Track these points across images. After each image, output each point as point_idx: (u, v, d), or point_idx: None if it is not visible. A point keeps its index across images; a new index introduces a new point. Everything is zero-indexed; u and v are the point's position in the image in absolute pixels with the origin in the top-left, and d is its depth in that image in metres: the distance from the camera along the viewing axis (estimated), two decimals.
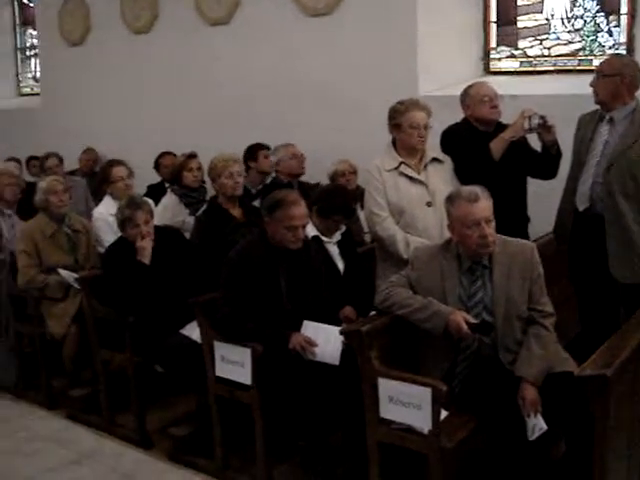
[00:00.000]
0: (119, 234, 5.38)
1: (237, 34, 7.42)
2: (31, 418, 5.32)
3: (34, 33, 10.56)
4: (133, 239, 4.62)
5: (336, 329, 3.90)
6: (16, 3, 10.91)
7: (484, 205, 3.50)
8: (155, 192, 6.60)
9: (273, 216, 4.02)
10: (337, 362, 3.82)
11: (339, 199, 4.65)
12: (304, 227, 4.10)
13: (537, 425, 3.32)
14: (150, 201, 5.20)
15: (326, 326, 3.97)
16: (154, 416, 4.93)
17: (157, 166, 7.20)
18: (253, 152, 6.55)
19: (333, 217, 4.59)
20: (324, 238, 4.59)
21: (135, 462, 4.63)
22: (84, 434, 5.04)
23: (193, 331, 4.40)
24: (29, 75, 10.83)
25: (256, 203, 5.56)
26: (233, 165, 5.09)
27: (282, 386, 3.90)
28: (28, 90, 10.80)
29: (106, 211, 5.64)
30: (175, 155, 6.99)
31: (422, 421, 3.30)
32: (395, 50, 6.35)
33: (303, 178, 6.31)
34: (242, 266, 3.98)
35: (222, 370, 4.06)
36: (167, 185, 6.89)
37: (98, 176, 5.86)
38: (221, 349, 4.04)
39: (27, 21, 10.79)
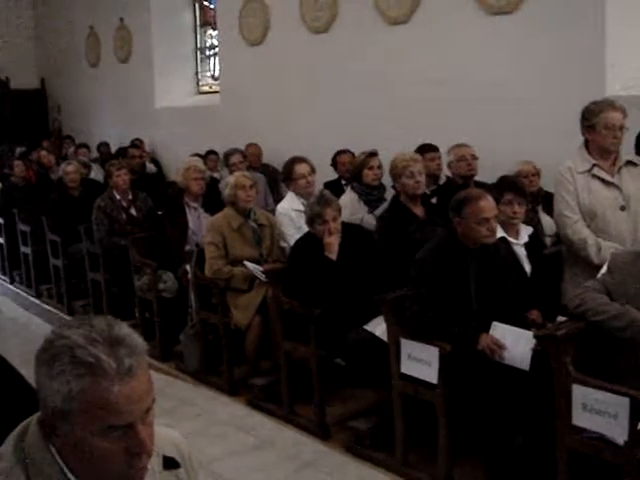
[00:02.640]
0: (301, 229, 5.54)
1: (416, 33, 7.42)
2: (214, 403, 5.53)
3: (214, 33, 10.96)
4: (321, 235, 4.72)
5: (525, 332, 3.86)
6: (197, 5, 11.36)
7: None
8: (332, 189, 6.69)
9: (462, 214, 4.02)
10: (527, 367, 3.77)
11: (505, 179, 4.60)
12: (495, 219, 4.07)
13: None
14: None
15: (515, 329, 3.92)
16: (334, 408, 5.00)
17: (334, 163, 7.31)
18: (420, 153, 6.53)
19: (506, 196, 4.52)
20: (511, 239, 4.53)
21: (314, 452, 4.72)
22: (264, 421, 5.18)
23: (376, 327, 4.45)
24: (208, 74, 11.25)
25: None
26: (414, 164, 5.12)
27: (468, 387, 3.89)
28: (207, 88, 11.21)
29: (289, 206, 5.80)
30: (352, 153, 7.10)
31: (617, 431, 3.20)
32: (581, 48, 6.16)
33: (481, 178, 6.23)
34: (432, 265, 4.00)
35: (408, 368, 4.09)
36: (344, 182, 7.03)
37: (281, 173, 6.00)
38: (408, 347, 4.07)
39: (207, 22, 11.22)
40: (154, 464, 1.73)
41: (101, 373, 1.53)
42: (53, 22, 13.88)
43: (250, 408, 5.39)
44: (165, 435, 1.82)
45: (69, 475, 1.62)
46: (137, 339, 1.62)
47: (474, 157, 6.02)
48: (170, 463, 1.82)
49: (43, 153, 10.31)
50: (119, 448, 1.58)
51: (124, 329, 1.62)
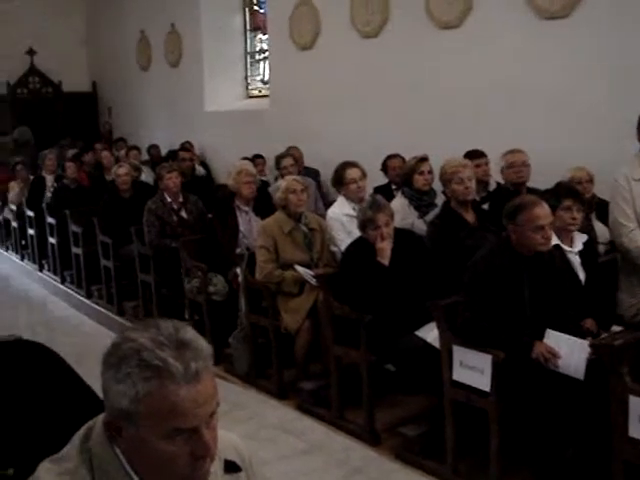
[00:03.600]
0: (351, 234, 5.54)
1: (467, 38, 7.38)
2: (263, 406, 5.55)
3: (264, 37, 11.03)
4: (373, 240, 4.71)
5: (580, 341, 3.81)
6: (247, 10, 11.44)
7: None
8: (382, 194, 6.66)
9: (517, 221, 3.99)
10: (582, 376, 3.71)
11: (562, 185, 4.56)
12: (551, 226, 4.02)
13: None
14: None
15: (570, 337, 3.87)
16: (383, 414, 4.98)
17: (384, 168, 7.30)
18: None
19: (564, 202, 4.46)
20: (566, 247, 4.48)
21: (363, 458, 4.71)
22: (313, 426, 5.18)
23: (428, 333, 4.43)
24: (257, 78, 11.32)
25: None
26: (463, 170, 5.10)
27: (521, 395, 3.85)
28: (256, 92, 11.29)
29: (340, 211, 5.81)
30: (403, 158, 7.08)
31: None
32: (637, 52, 6.07)
33: (534, 184, 6.17)
34: (486, 272, 3.97)
35: (460, 375, 4.06)
36: (394, 187, 7.02)
37: (332, 177, 6.00)
38: (460, 354, 4.04)
39: (257, 26, 11.29)
40: (216, 468, 1.74)
41: (168, 376, 1.54)
42: (105, 27, 14.09)
43: (299, 412, 5.40)
44: (226, 439, 1.83)
45: (133, 476, 1.64)
46: (203, 343, 1.63)
47: (525, 164, 5.95)
48: (231, 467, 1.83)
49: (105, 154, 10.45)
50: (184, 451, 1.59)
51: (190, 333, 1.63)
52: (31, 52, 14.04)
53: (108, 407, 1.62)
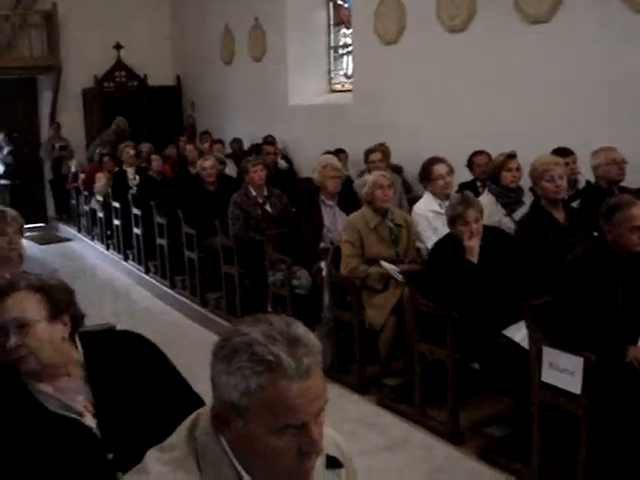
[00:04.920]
0: (437, 230, 5.50)
1: (557, 33, 7.22)
2: (344, 400, 5.55)
3: (347, 32, 11.02)
4: (462, 236, 4.66)
5: None
6: (331, 4, 11.44)
7: None
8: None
9: (613, 221, 3.90)
10: None
11: None
12: None
13: None
14: None
15: None
16: (467, 412, 4.93)
17: (470, 164, 7.21)
18: None
19: None
20: None
21: (446, 457, 4.68)
22: (395, 422, 5.17)
23: (516, 333, 4.36)
24: (341, 72, 11.32)
25: None
26: (555, 168, 4.99)
27: (614, 400, 3.76)
28: (339, 87, 11.28)
29: (426, 207, 5.77)
30: (489, 154, 6.98)
31: None
32: None
33: (624, 183, 6.02)
34: (580, 273, 3.89)
35: (549, 376, 3.98)
36: (479, 184, 6.93)
37: (419, 173, 5.97)
38: (550, 355, 3.96)
39: (341, 21, 11.27)
40: (318, 463, 1.74)
41: (280, 372, 1.55)
42: (189, 21, 14.27)
43: (380, 408, 5.39)
44: (328, 435, 1.83)
45: (238, 468, 1.65)
46: (313, 339, 1.63)
47: (624, 161, 5.82)
48: (333, 463, 1.83)
49: (189, 147, 10.60)
50: (291, 446, 1.60)
51: (301, 328, 1.63)
52: (118, 47, 14.29)
53: (217, 399, 1.63)
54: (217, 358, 1.62)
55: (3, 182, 14.00)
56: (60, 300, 2.40)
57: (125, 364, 2.42)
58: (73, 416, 2.32)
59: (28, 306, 2.33)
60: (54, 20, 13.85)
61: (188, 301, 8.31)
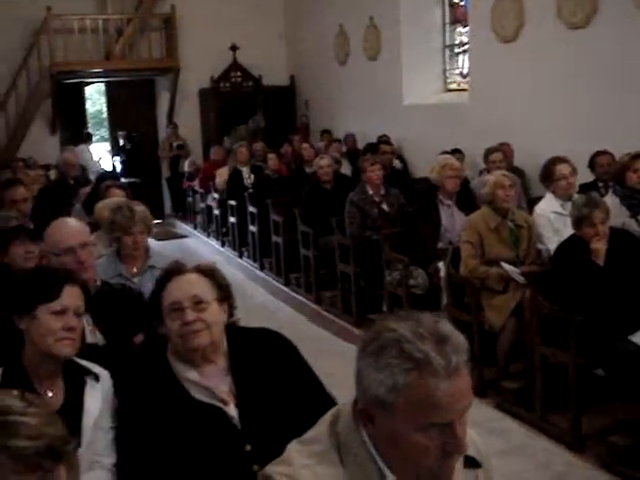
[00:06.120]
0: (559, 232, 5.39)
1: None
2: None
3: (463, 30, 10.89)
4: (587, 238, 4.56)
5: None
6: (446, 2, 11.34)
7: None
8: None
9: None
10: None
11: None
12: None
13: None
14: None
15: None
16: (588, 419, 4.79)
17: (592, 165, 7.02)
18: None
19: None
20: None
21: (567, 464, 4.57)
22: (514, 426, 5.08)
23: None
24: (456, 71, 11.21)
25: None
26: None
27: None
28: (455, 86, 11.17)
29: (547, 208, 5.67)
30: (612, 154, 6.79)
31: None
32: None
33: None
34: None
35: None
36: (600, 185, 6.74)
37: (541, 173, 5.85)
38: None
39: (457, 19, 11.16)
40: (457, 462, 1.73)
41: (429, 370, 1.55)
42: (303, 21, 14.42)
43: (498, 411, 5.31)
44: (467, 434, 1.82)
45: (380, 464, 1.66)
46: (460, 337, 1.63)
47: None
48: (471, 462, 1.82)
49: (305, 146, 10.72)
50: (435, 445, 1.60)
51: (448, 326, 1.63)
52: (234, 48, 14.57)
53: (361, 393, 1.65)
54: (365, 353, 1.63)
55: (123, 180, 14.48)
56: (225, 287, 2.55)
57: (265, 359, 2.49)
58: (217, 404, 2.39)
59: (204, 286, 2.46)
60: (173, 23, 14.27)
61: (303, 298, 8.40)
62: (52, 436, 1.51)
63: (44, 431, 1.50)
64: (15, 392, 1.62)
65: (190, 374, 2.42)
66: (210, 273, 2.53)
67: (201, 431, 2.33)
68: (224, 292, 2.53)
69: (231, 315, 2.55)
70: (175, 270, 2.52)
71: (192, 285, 2.46)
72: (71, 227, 3.56)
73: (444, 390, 1.55)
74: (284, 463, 1.73)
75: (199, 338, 2.40)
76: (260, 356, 2.49)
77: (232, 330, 2.54)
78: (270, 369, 2.47)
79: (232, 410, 2.40)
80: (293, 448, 1.76)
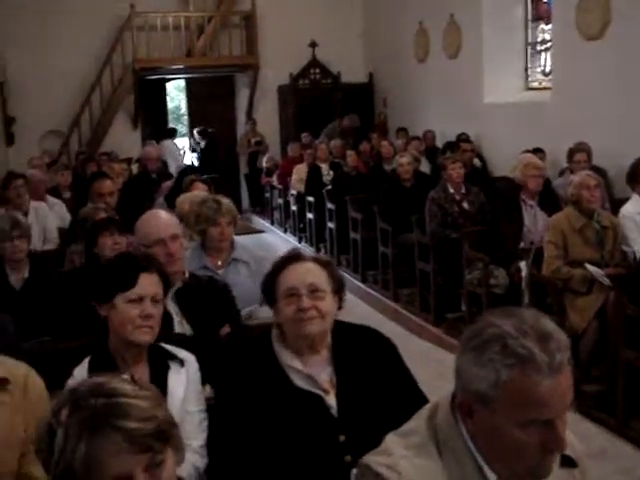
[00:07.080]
0: None
1: None
2: None
3: (546, 28, 10.72)
4: None
5: None
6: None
7: None
8: None
9: None
10: None
11: None
12: None
13: None
14: None
15: None
16: None
17: None
18: None
19: None
20: None
21: None
22: (594, 431, 5.01)
23: None
24: (538, 70, 11.04)
25: None
26: None
27: None
28: (536, 84, 11.01)
29: (634, 210, 5.59)
30: None
31: None
32: None
33: None
34: None
35: None
36: None
37: (628, 173, 5.76)
38: None
39: (540, 16, 10.99)
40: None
41: (532, 366, 1.56)
42: (382, 19, 14.39)
43: (578, 415, 5.23)
44: None
45: (478, 459, 1.68)
46: (562, 334, 1.63)
47: None
48: (567, 462, 1.82)
49: (384, 143, 10.72)
50: (535, 442, 1.61)
51: (551, 324, 1.64)
52: (313, 45, 14.65)
53: (461, 387, 1.67)
54: (467, 348, 1.65)
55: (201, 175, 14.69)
56: (339, 280, 2.60)
57: (366, 354, 2.54)
58: (318, 392, 2.45)
59: (321, 275, 2.52)
60: (253, 20, 14.44)
61: (380, 295, 8.43)
62: (161, 419, 1.57)
63: (154, 413, 1.57)
64: (125, 376, 1.70)
65: (294, 362, 2.48)
66: (327, 264, 2.58)
67: (299, 418, 2.40)
68: (338, 284, 2.57)
69: (339, 308, 2.59)
70: (293, 257, 2.57)
71: (310, 273, 2.51)
72: (162, 219, 3.63)
73: (547, 387, 1.57)
74: (383, 453, 1.76)
75: (312, 325, 2.45)
76: (361, 350, 2.55)
77: (335, 323, 2.59)
78: (370, 364, 2.52)
79: (331, 399, 2.45)
80: (391, 439, 1.80)
